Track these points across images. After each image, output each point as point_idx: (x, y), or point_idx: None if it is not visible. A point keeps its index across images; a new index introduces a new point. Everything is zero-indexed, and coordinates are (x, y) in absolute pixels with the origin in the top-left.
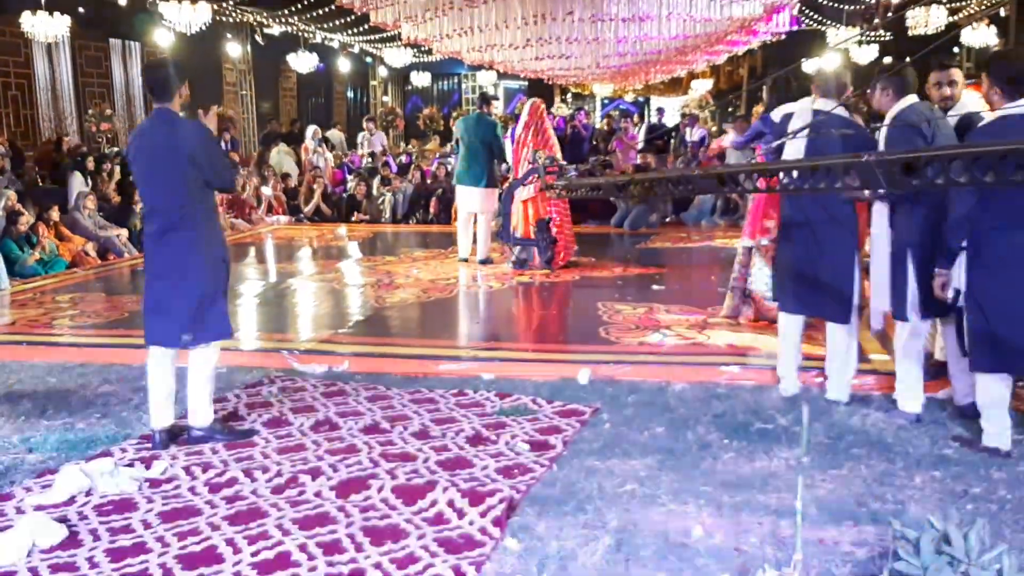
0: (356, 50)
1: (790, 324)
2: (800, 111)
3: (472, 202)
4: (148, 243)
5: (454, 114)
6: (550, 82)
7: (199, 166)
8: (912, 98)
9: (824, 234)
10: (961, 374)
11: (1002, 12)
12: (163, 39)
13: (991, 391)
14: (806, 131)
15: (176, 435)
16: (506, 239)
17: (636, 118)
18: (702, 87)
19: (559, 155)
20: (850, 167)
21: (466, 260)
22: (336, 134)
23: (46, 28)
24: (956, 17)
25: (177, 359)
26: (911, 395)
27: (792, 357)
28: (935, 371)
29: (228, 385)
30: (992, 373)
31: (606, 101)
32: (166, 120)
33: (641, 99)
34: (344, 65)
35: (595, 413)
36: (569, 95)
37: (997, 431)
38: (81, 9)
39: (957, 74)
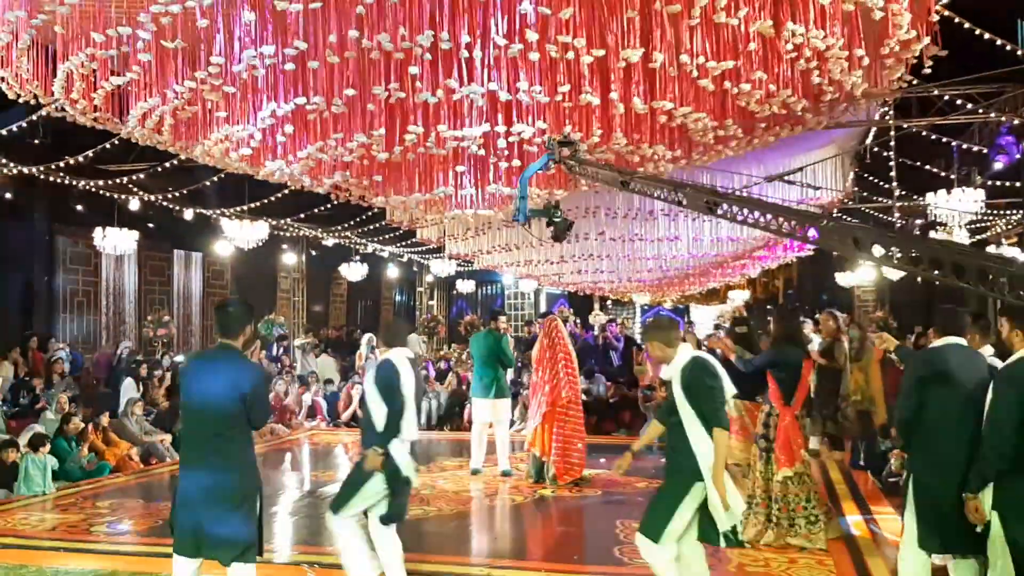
0: (405, 258)
1: None
2: None
3: (485, 412)
4: (188, 455)
5: (464, 319)
6: (589, 292)
7: (248, 405)
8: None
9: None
10: None
11: None
12: (223, 250)
13: None
14: None
15: None
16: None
17: None
18: (739, 297)
19: (575, 365)
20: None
21: (478, 471)
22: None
23: (116, 242)
24: (981, 236)
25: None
26: None
27: None
28: None
29: None
30: None
31: (645, 308)
32: (229, 357)
33: (681, 307)
34: (392, 271)
35: None
36: (609, 302)
37: None
38: (151, 224)
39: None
